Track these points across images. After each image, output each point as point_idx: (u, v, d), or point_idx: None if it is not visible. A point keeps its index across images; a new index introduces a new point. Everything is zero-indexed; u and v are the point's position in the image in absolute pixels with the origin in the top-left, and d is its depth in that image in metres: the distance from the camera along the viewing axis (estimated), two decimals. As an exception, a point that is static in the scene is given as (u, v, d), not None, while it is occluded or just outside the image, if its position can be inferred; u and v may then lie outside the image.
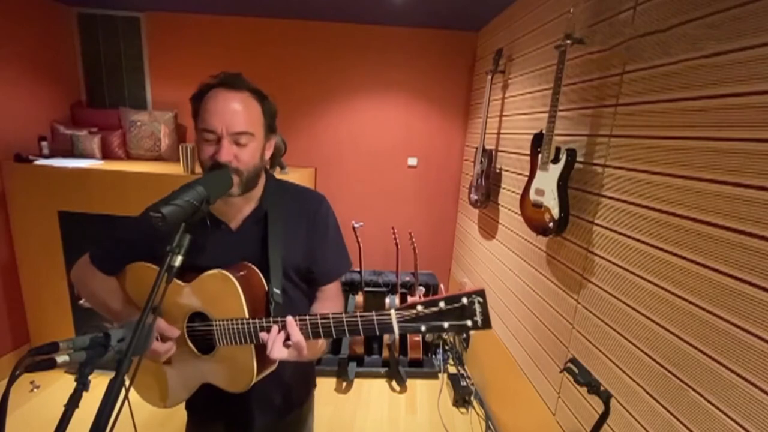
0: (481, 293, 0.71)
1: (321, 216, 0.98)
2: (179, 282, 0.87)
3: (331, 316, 0.77)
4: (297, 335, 0.77)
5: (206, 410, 1.03)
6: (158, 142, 2.81)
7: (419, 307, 0.72)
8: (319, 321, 0.78)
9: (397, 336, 0.77)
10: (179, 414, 1.05)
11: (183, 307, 0.88)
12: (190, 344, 0.89)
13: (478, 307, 0.71)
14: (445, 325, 0.72)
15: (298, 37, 2.91)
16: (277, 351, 0.77)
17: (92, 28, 2.85)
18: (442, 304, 0.71)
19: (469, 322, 0.71)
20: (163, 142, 2.82)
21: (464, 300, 0.71)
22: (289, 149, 2.83)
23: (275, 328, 0.78)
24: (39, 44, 2.56)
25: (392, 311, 0.74)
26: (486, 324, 0.71)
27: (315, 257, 0.96)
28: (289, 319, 0.78)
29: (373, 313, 0.75)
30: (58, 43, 2.73)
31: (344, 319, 0.76)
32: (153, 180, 2.19)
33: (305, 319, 0.78)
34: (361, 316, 0.75)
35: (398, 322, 0.73)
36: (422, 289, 2.88)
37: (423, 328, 0.73)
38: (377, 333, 0.75)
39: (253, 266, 0.88)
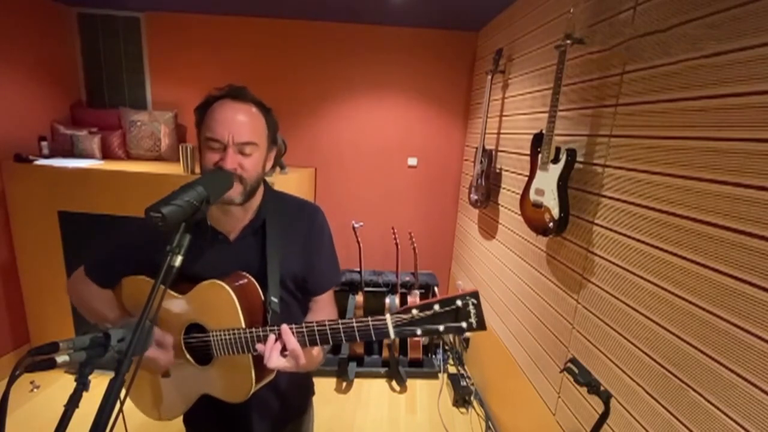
0: (475, 295, 0.71)
1: (317, 227, 1.00)
2: (175, 293, 0.87)
3: (327, 322, 0.77)
4: (293, 343, 0.77)
5: (204, 423, 1.02)
6: (158, 142, 2.81)
7: (414, 311, 0.72)
8: (316, 328, 0.78)
9: (392, 337, 0.76)
10: (177, 418, 1.05)
11: (180, 319, 0.88)
12: (188, 356, 0.88)
13: (472, 309, 0.71)
14: (441, 328, 0.72)
15: (298, 37, 2.91)
16: (275, 360, 0.77)
17: (92, 28, 2.85)
18: (436, 307, 0.71)
19: (464, 324, 0.71)
20: (163, 142, 2.82)
21: (458, 302, 0.71)
22: (290, 149, 2.83)
23: (272, 337, 0.78)
24: (39, 44, 2.56)
25: (388, 316, 0.74)
26: (481, 325, 0.71)
27: (311, 267, 0.97)
28: (284, 327, 0.78)
29: (369, 318, 0.75)
30: (58, 43, 2.74)
31: (340, 326, 0.76)
32: (153, 180, 2.19)
33: (301, 328, 0.78)
34: (357, 322, 0.75)
35: (394, 326, 0.73)
36: (418, 294, 2.85)
37: (419, 332, 0.73)
38: (374, 338, 0.75)
39: (249, 276, 0.88)
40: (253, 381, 0.83)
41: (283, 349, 0.78)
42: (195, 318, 0.86)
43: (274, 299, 0.87)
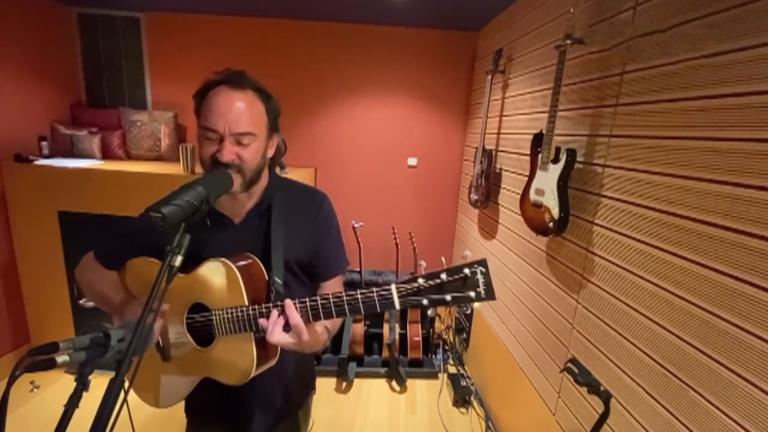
0: (483, 263, 0.69)
1: (324, 213, 1.00)
2: (179, 274, 0.86)
3: (330, 295, 0.77)
4: (296, 317, 0.76)
5: (205, 413, 1.02)
6: (158, 142, 2.81)
7: (420, 280, 0.70)
8: (319, 301, 0.77)
9: (397, 307, 0.75)
10: (179, 414, 1.05)
11: (183, 299, 0.87)
12: (189, 337, 0.88)
13: (480, 278, 0.69)
14: (448, 297, 0.70)
15: (298, 37, 2.91)
16: (277, 335, 0.76)
17: (92, 28, 2.85)
18: (443, 276, 0.69)
19: (472, 294, 0.69)
20: (163, 142, 2.82)
21: (466, 271, 0.68)
22: (289, 149, 2.84)
23: (275, 312, 0.78)
24: (39, 44, 2.56)
25: (392, 286, 0.72)
26: (489, 295, 0.69)
27: (317, 251, 0.97)
28: (288, 301, 0.77)
29: (374, 289, 0.73)
30: (58, 43, 2.73)
31: (344, 298, 0.75)
32: (153, 180, 2.19)
33: (304, 301, 0.78)
34: (361, 293, 0.74)
35: (399, 296, 0.72)
36: (423, 264, 2.85)
37: (425, 302, 0.70)
38: (378, 309, 0.73)
39: (253, 256, 0.88)
40: (255, 362, 0.82)
41: (286, 324, 0.77)
42: (198, 297, 0.86)
43: (278, 280, 0.87)
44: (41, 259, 2.34)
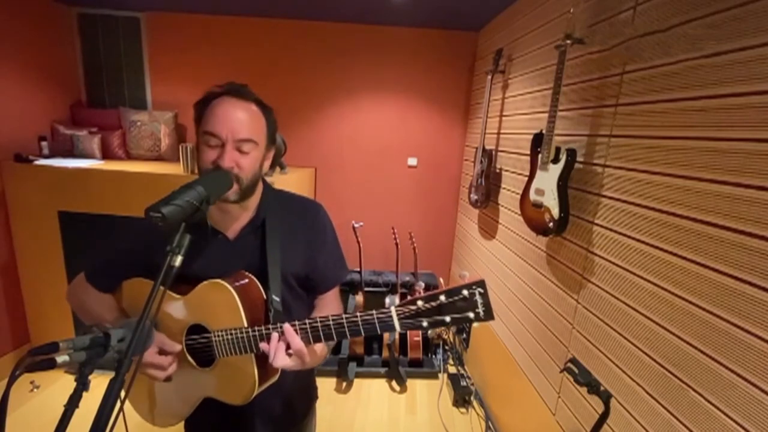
0: (481, 284, 0.70)
1: (319, 224, 0.99)
2: (176, 295, 0.86)
3: (330, 317, 0.76)
4: (297, 343, 0.76)
5: (205, 428, 1.01)
6: (158, 142, 2.81)
7: (420, 303, 0.71)
8: (319, 324, 0.77)
9: (398, 332, 0.75)
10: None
11: (181, 321, 0.87)
12: (189, 358, 0.88)
13: (479, 299, 0.69)
14: (447, 319, 0.70)
15: (298, 37, 2.91)
16: (280, 359, 0.76)
17: (92, 28, 2.85)
18: (442, 298, 0.70)
19: (471, 314, 0.70)
20: (163, 142, 2.82)
21: (465, 292, 0.69)
22: (289, 149, 2.83)
23: (275, 335, 0.77)
24: (39, 44, 2.56)
25: (392, 308, 0.73)
26: (488, 315, 0.70)
27: (314, 265, 0.96)
28: (287, 326, 0.76)
29: (374, 311, 0.74)
30: (58, 43, 2.74)
31: (344, 320, 0.75)
32: (153, 180, 2.19)
33: (305, 324, 0.77)
34: (361, 316, 0.74)
35: (399, 319, 0.72)
36: (422, 284, 2.88)
37: (425, 324, 0.71)
38: (379, 332, 0.74)
39: (250, 275, 0.87)
40: (257, 381, 0.82)
41: (288, 347, 0.77)
42: (196, 319, 0.86)
43: (276, 298, 0.86)
44: (41, 259, 2.34)
